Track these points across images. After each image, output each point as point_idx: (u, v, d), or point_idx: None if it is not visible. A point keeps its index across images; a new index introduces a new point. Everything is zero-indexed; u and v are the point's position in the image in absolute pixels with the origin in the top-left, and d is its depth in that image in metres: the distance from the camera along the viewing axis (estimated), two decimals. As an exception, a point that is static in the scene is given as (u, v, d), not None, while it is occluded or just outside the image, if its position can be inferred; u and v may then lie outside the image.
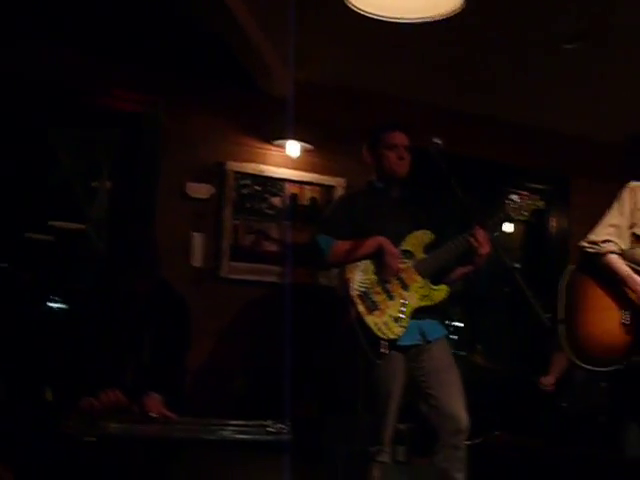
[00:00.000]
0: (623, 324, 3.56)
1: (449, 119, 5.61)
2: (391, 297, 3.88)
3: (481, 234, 3.86)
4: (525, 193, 4.14)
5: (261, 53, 4.81)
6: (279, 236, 5.21)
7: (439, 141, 3.66)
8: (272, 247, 5.19)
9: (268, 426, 2.99)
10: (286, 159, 5.27)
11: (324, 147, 5.36)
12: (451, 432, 3.79)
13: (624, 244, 3.68)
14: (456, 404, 3.85)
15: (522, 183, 6.19)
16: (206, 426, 3.00)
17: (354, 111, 5.50)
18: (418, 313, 3.91)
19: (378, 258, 3.90)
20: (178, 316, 3.65)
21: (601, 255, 3.66)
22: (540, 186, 6.20)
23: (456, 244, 3.91)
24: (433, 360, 3.94)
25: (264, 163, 5.24)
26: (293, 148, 5.20)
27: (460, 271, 4.02)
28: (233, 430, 2.99)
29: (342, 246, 3.94)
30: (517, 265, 3.80)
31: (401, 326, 3.84)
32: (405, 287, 3.92)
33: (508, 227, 6.47)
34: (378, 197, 4.16)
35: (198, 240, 5.07)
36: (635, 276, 3.57)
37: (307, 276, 5.15)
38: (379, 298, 3.85)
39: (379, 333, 3.76)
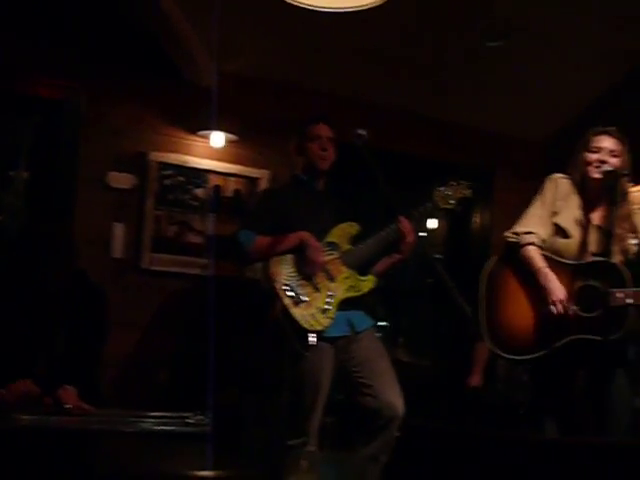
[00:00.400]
0: (541, 314, 3.59)
1: (374, 113, 5.59)
2: (317, 289, 3.86)
3: (406, 224, 3.90)
4: (453, 182, 4.19)
5: (186, 43, 4.75)
6: (202, 228, 5.12)
7: (363, 132, 3.66)
8: (195, 239, 5.10)
9: (188, 417, 2.94)
10: (210, 150, 5.19)
11: (249, 139, 5.30)
12: (387, 419, 3.78)
13: (546, 234, 3.71)
14: (391, 391, 3.85)
15: (447, 179, 6.24)
16: (124, 418, 2.94)
17: (280, 103, 5.46)
18: (345, 304, 3.91)
19: (301, 252, 3.87)
20: (94, 307, 3.58)
21: (520, 246, 3.69)
22: (464, 182, 6.25)
23: (382, 235, 3.92)
24: (363, 350, 3.94)
25: (188, 154, 5.15)
26: (217, 139, 5.12)
27: (387, 261, 4.02)
28: (152, 422, 2.93)
29: (264, 241, 3.91)
30: (439, 256, 3.82)
31: (328, 317, 3.83)
32: (331, 279, 3.91)
33: (432, 223, 6.54)
34: (302, 190, 4.12)
35: (119, 231, 4.96)
36: (547, 271, 3.59)
37: (231, 269, 5.10)
38: (305, 290, 3.83)
39: (306, 325, 3.75)
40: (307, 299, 3.82)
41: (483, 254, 5.81)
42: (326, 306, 3.85)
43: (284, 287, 3.81)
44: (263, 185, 5.29)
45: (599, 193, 3.71)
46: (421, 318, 3.40)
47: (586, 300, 3.53)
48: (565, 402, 3.60)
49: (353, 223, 4.05)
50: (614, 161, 3.65)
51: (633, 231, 3.69)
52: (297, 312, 3.77)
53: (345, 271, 3.95)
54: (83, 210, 4.85)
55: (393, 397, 3.83)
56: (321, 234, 3.95)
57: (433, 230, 4.79)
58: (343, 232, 4.02)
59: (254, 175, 5.30)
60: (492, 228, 6.15)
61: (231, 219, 5.15)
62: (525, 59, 5.40)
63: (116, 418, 2.96)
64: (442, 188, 4.15)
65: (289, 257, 3.88)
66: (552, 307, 3.53)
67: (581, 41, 5.21)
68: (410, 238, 3.90)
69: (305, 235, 3.88)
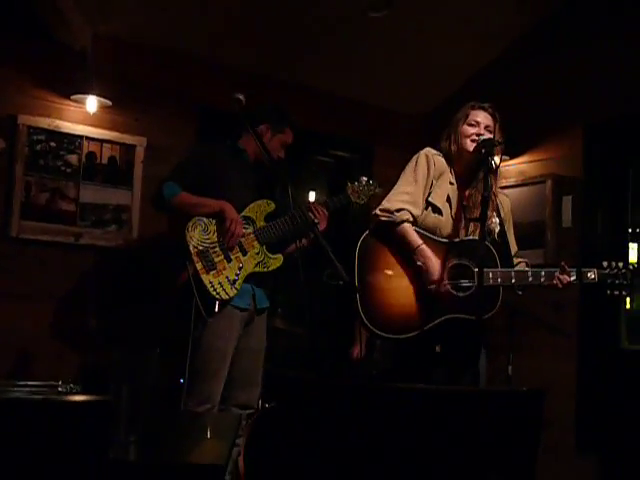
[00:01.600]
0: (417, 291, 3.58)
1: (255, 83, 5.52)
2: (229, 260, 4.00)
3: (320, 211, 4.15)
4: (365, 179, 4.37)
5: (59, 4, 4.56)
6: (75, 195, 4.95)
7: (241, 96, 3.60)
8: (68, 206, 4.92)
9: (59, 386, 2.85)
10: (84, 115, 4.99)
11: (124, 105, 5.13)
12: (239, 407, 4.14)
13: (418, 211, 3.67)
14: (247, 392, 4.17)
15: (327, 150, 6.25)
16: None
17: (157, 69, 5.32)
18: (251, 279, 4.08)
19: (220, 222, 3.99)
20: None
21: (395, 224, 3.62)
22: (345, 154, 6.28)
23: (294, 216, 4.01)
24: (253, 337, 4.20)
25: (60, 118, 4.94)
26: (92, 104, 4.94)
27: (293, 245, 4.16)
28: (23, 391, 2.82)
29: (186, 198, 4.00)
30: (317, 221, 3.83)
31: (235, 289, 3.99)
32: (244, 252, 4.07)
33: (311, 195, 6.55)
34: (236, 157, 4.25)
35: (-14, 197, 4.75)
36: (424, 248, 3.57)
37: (107, 239, 5.00)
38: (218, 259, 3.96)
39: (213, 292, 3.90)
40: (218, 267, 3.95)
41: (361, 225, 5.85)
42: (235, 277, 3.99)
43: (198, 252, 3.93)
44: (139, 152, 5.16)
45: (472, 168, 3.73)
46: (299, 287, 3.40)
47: (459, 279, 3.57)
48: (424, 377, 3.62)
49: (270, 201, 4.20)
50: (488, 136, 3.69)
51: (495, 211, 3.75)
52: (206, 278, 3.90)
53: (257, 246, 4.11)
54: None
55: (252, 395, 4.19)
56: (240, 206, 4.09)
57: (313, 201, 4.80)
58: (260, 209, 4.17)
59: (130, 142, 5.15)
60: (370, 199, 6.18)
61: (106, 186, 5.03)
62: (406, 33, 5.44)
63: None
64: (355, 183, 4.36)
65: (207, 223, 3.99)
66: (429, 286, 3.53)
67: (460, 17, 5.29)
68: (323, 225, 4.12)
69: (228, 207, 3.99)
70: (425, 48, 5.60)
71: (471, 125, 3.72)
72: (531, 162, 5.56)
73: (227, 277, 3.95)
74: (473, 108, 3.77)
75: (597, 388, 5.05)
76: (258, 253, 4.10)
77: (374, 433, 1.88)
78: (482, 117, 3.73)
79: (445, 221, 3.68)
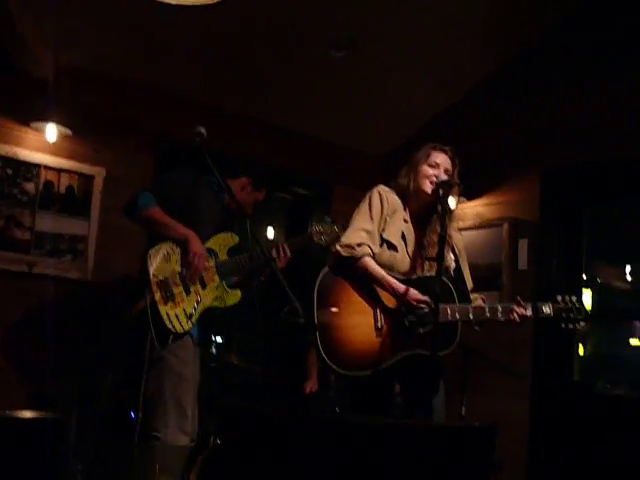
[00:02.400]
0: (377, 328, 3.55)
1: (213, 117, 5.53)
2: (188, 292, 3.96)
3: (283, 249, 4.19)
4: (329, 220, 4.48)
5: (21, 32, 4.55)
6: (31, 224, 4.89)
7: (203, 130, 3.61)
8: (23, 235, 4.86)
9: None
10: (43, 144, 4.97)
11: (84, 134, 5.12)
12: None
13: (376, 248, 3.66)
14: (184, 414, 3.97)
15: (286, 187, 6.26)
16: None
17: (117, 100, 5.31)
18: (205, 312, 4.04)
19: (184, 251, 3.95)
20: None
21: (357, 258, 3.60)
22: (304, 191, 6.29)
23: (255, 254, 4.03)
24: (177, 366, 3.99)
25: (18, 146, 4.91)
26: (51, 133, 4.92)
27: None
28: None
29: (157, 214, 3.97)
30: (275, 256, 3.83)
31: (190, 322, 3.93)
32: (203, 286, 4.03)
33: (270, 232, 6.54)
34: (213, 192, 4.21)
35: (-61, 224, 4.68)
36: (390, 279, 3.56)
37: (62, 269, 4.94)
38: (177, 290, 3.91)
39: (169, 325, 3.84)
40: (177, 299, 3.90)
41: (320, 262, 5.85)
42: (192, 311, 3.94)
43: (158, 281, 3.87)
44: (98, 183, 5.13)
45: (428, 208, 3.75)
46: (253, 326, 3.40)
47: (417, 315, 3.55)
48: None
49: (234, 235, 4.20)
50: (446, 178, 3.72)
51: (451, 249, 3.76)
52: (164, 310, 3.84)
53: (217, 280, 4.07)
54: None
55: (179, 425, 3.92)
56: (205, 237, 4.06)
57: (271, 240, 4.85)
58: (224, 241, 4.17)
59: (88, 172, 5.12)
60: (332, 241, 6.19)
61: (62, 216, 4.99)
62: (368, 74, 5.50)
63: None
64: (319, 225, 4.43)
65: (171, 251, 3.95)
66: (409, 307, 3.52)
67: (422, 61, 5.37)
68: (282, 264, 4.16)
69: (194, 238, 3.97)
70: (386, 90, 5.66)
71: (431, 166, 3.73)
72: (488, 205, 5.62)
73: (184, 310, 3.89)
74: (434, 149, 3.79)
75: (550, 427, 5.07)
76: (217, 287, 4.06)
77: (327, 465, 1.86)
78: (442, 159, 3.75)
79: (401, 258, 3.68)
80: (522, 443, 5.10)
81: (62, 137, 4.99)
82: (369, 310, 3.59)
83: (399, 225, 3.72)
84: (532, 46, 5.42)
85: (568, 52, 5.27)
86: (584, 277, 5.37)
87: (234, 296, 4.13)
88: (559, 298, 3.70)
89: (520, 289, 5.25)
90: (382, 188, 3.79)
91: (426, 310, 3.52)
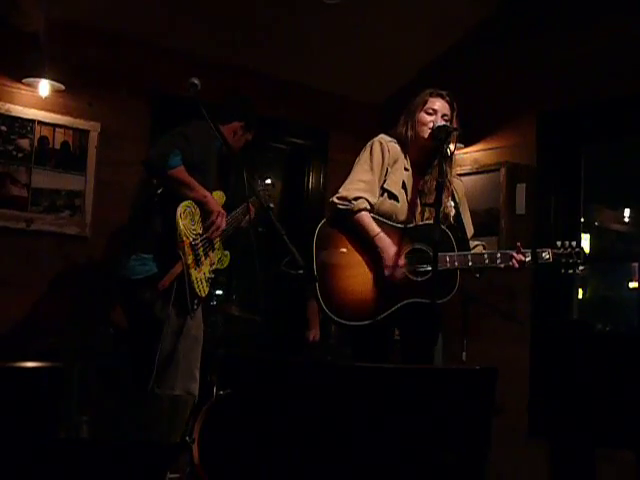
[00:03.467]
0: (375, 278, 3.58)
1: (209, 68, 5.47)
2: (207, 255, 3.95)
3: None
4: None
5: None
6: (27, 180, 4.87)
7: (196, 81, 3.56)
8: (19, 192, 4.84)
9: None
10: (37, 99, 4.91)
11: (78, 89, 5.06)
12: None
13: (374, 199, 3.67)
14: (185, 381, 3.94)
15: (282, 137, 6.23)
16: None
17: (110, 53, 5.24)
18: None
19: (204, 213, 3.91)
20: None
21: (353, 213, 3.62)
22: (300, 141, 6.26)
23: (242, 211, 4.01)
24: (193, 329, 4.01)
25: (12, 102, 4.85)
26: (44, 88, 4.87)
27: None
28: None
29: (182, 175, 3.88)
30: (272, 205, 3.82)
31: (208, 286, 3.96)
32: (213, 248, 4.02)
33: (267, 179, 6.51)
34: (214, 145, 4.11)
35: None
36: (383, 236, 3.58)
37: (60, 225, 4.93)
38: (201, 253, 3.89)
39: (198, 290, 3.85)
40: (201, 263, 3.88)
41: (317, 211, 5.87)
42: (210, 275, 3.97)
43: (190, 243, 3.82)
44: (92, 137, 5.08)
45: (428, 154, 3.75)
46: (253, 277, 3.40)
47: (417, 263, 3.58)
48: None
49: (222, 193, 4.17)
50: (444, 124, 3.70)
51: (450, 196, 3.76)
52: (194, 274, 3.81)
53: (218, 242, 4.07)
54: None
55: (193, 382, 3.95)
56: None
57: (268, 185, 4.80)
58: (218, 200, 4.11)
59: (83, 127, 5.08)
60: (326, 186, 6.19)
61: (58, 172, 4.96)
62: (361, 21, 5.44)
63: None
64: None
65: (194, 211, 3.89)
66: (386, 272, 3.54)
67: (415, 5, 5.31)
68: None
69: (212, 198, 3.94)
70: (380, 36, 5.60)
71: (429, 113, 3.73)
72: (485, 150, 5.60)
73: (204, 274, 3.90)
74: (431, 95, 3.77)
75: (551, 369, 5.10)
76: (219, 249, 4.08)
77: (327, 412, 1.88)
78: (439, 105, 3.74)
79: (401, 207, 3.69)
80: (524, 387, 5.14)
81: (55, 92, 4.94)
82: (368, 261, 3.61)
83: (400, 174, 3.74)
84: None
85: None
86: (582, 221, 5.38)
87: (227, 257, 4.16)
88: (558, 243, 3.69)
89: (518, 234, 5.26)
90: (383, 137, 3.79)
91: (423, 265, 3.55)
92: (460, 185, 3.94)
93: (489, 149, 5.57)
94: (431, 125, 3.69)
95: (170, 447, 1.80)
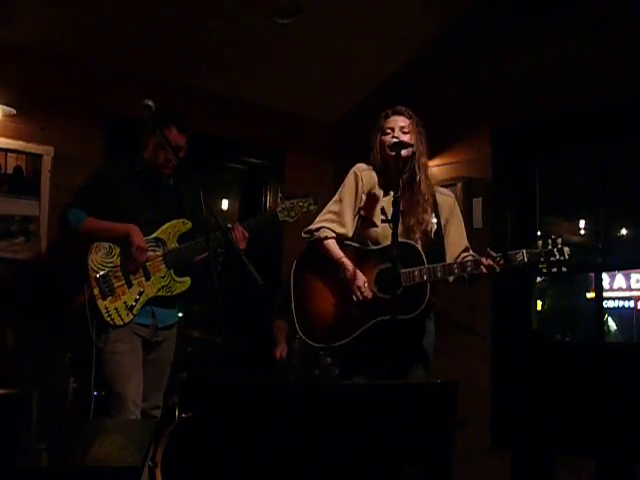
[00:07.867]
0: (346, 302, 3.69)
1: (163, 90, 5.44)
2: (130, 285, 3.95)
3: (239, 231, 4.02)
4: (299, 196, 4.24)
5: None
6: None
7: (150, 103, 3.57)
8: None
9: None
10: (-13, 125, 4.87)
11: (30, 113, 5.00)
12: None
13: (342, 228, 3.79)
14: (158, 393, 4.16)
15: (239, 157, 6.22)
16: None
17: (62, 77, 5.18)
18: (153, 301, 4.03)
19: (125, 246, 3.93)
20: None
21: (317, 242, 3.78)
22: (256, 160, 6.25)
23: (211, 239, 3.93)
24: (162, 351, 4.15)
25: (-39, 128, 4.81)
26: (-5, 112, 4.81)
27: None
28: None
29: (93, 224, 3.94)
30: (230, 225, 3.81)
31: (132, 314, 3.94)
32: (147, 277, 4.00)
33: (224, 204, 6.52)
34: (138, 176, 4.11)
35: None
36: (344, 261, 3.71)
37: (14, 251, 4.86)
38: (117, 284, 3.92)
39: (107, 319, 3.87)
40: (117, 293, 3.91)
41: (274, 234, 5.85)
42: (133, 302, 3.95)
43: (97, 277, 3.88)
44: (46, 162, 5.02)
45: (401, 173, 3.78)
46: (213, 298, 3.39)
47: (385, 282, 3.62)
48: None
49: (187, 221, 4.13)
50: (406, 137, 3.76)
51: (433, 211, 3.83)
52: (102, 304, 3.87)
53: (163, 270, 4.04)
54: None
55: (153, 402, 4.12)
56: (151, 228, 4.03)
57: (225, 211, 4.82)
58: (173, 229, 4.10)
59: (36, 151, 5.01)
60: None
61: (11, 197, 4.90)
62: (314, 39, 5.47)
63: None
64: (286, 201, 4.22)
65: (111, 246, 3.94)
66: (353, 294, 3.63)
67: (368, 21, 5.34)
68: (243, 245, 4.01)
69: (134, 231, 3.93)
70: (334, 55, 5.63)
71: (386, 133, 3.80)
72: (441, 166, 5.63)
73: (125, 302, 3.92)
74: (386, 117, 3.85)
75: (511, 381, 5.13)
76: (164, 277, 4.05)
77: (292, 430, 1.87)
78: (394, 122, 3.79)
79: (382, 231, 3.75)
80: (486, 400, 5.16)
81: (6, 117, 4.88)
82: (339, 285, 3.73)
83: (377, 200, 3.81)
84: (477, 3, 5.43)
85: (511, 9, 5.29)
86: (539, 233, 5.42)
87: (182, 284, 4.11)
88: (539, 242, 3.56)
89: (476, 248, 5.28)
90: (358, 167, 3.91)
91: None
92: (447, 200, 3.97)
93: (445, 164, 5.60)
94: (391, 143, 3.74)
95: (132, 471, 1.77)
